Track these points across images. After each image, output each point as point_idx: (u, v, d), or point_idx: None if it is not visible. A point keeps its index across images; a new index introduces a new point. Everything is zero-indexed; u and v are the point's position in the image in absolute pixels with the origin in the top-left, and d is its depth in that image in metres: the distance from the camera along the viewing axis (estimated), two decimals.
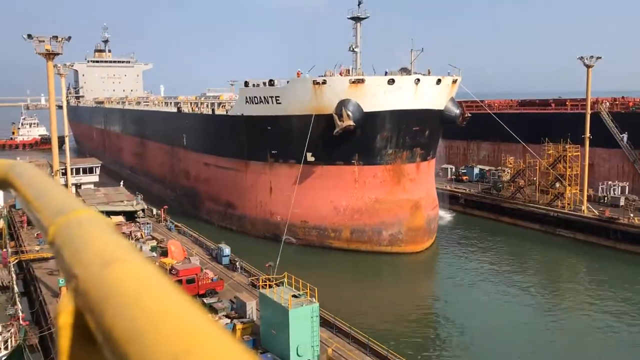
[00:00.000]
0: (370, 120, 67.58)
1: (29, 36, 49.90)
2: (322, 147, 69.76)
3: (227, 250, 60.09)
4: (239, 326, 41.18)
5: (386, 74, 70.48)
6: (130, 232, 66.85)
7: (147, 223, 71.22)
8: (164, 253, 58.93)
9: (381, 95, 67.41)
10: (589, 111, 78.45)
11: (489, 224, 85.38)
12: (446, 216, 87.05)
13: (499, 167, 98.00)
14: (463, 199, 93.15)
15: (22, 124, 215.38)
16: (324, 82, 68.12)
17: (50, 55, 50.16)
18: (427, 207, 74.06)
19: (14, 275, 52.59)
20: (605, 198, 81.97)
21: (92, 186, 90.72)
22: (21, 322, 42.08)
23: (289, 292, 39.37)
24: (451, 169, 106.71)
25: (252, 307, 43.61)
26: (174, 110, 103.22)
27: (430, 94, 69.82)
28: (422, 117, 70.06)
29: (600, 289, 58.82)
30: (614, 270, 64.50)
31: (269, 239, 73.64)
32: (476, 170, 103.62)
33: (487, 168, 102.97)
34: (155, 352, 1.23)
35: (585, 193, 77.69)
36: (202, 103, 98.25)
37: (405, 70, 71.25)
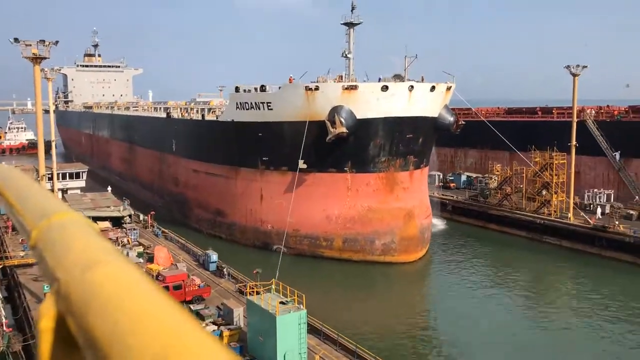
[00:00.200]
0: (363, 127, 66.66)
1: (16, 40, 49.56)
2: (314, 155, 68.39)
3: (214, 256, 59.73)
4: (226, 333, 40.98)
5: (380, 80, 69.53)
6: (117, 237, 66.36)
7: (134, 229, 70.71)
8: (151, 259, 58.57)
9: (374, 102, 66.51)
10: (575, 119, 79.44)
11: (477, 231, 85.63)
12: (438, 224, 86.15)
13: (486, 175, 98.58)
14: (450, 206, 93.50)
15: (9, 128, 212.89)
16: (317, 88, 67.15)
17: (37, 60, 49.87)
18: (421, 216, 73.01)
19: None
20: (591, 205, 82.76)
21: (78, 191, 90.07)
22: (4, 328, 41.49)
23: (276, 298, 39.19)
24: (439, 175, 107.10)
25: (239, 314, 43.42)
26: (164, 115, 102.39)
27: (424, 101, 69.04)
28: (416, 125, 69.25)
29: (586, 296, 59.33)
30: (599, 278, 64.96)
31: (259, 248, 72.91)
32: (463, 178, 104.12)
33: (474, 175, 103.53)
34: (138, 355, 1.22)
35: (572, 200, 78.43)
36: (191, 109, 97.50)
37: (398, 77, 70.38)
